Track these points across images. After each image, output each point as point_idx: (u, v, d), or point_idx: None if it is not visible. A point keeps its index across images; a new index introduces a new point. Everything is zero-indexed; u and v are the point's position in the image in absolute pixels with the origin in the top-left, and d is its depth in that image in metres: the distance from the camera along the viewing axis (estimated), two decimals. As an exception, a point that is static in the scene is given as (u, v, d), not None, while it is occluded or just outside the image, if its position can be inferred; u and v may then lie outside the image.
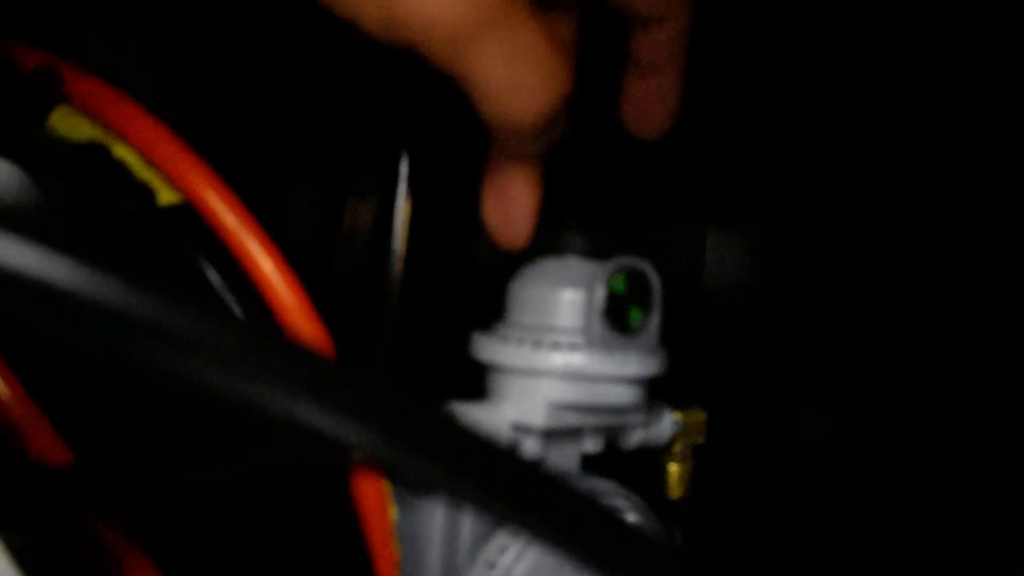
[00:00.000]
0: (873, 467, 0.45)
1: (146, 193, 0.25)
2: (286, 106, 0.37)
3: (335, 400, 0.15)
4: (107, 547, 0.23)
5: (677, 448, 0.36)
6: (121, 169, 0.25)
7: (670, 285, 0.31)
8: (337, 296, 0.39)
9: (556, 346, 0.30)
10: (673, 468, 0.36)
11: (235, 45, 0.34)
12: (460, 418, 0.29)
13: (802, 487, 0.45)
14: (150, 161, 0.25)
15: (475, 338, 0.32)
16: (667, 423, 0.35)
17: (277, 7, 0.35)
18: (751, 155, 0.44)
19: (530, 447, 0.31)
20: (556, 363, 0.30)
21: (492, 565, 0.29)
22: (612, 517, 0.21)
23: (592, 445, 0.33)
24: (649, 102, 0.32)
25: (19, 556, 0.18)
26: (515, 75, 0.24)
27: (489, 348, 0.31)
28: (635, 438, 0.34)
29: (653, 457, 0.36)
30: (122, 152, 0.25)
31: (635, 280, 0.31)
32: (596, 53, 0.30)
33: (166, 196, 0.25)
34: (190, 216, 0.24)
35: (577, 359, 0.30)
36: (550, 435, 0.31)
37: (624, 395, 0.31)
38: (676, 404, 0.35)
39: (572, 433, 0.32)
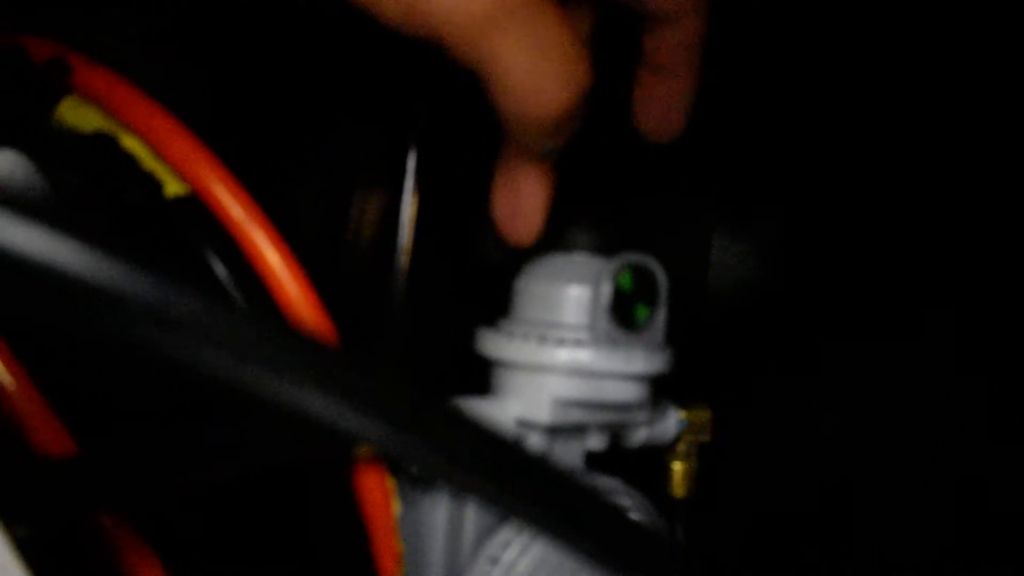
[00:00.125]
0: (878, 467, 0.45)
1: (153, 184, 0.25)
2: (294, 98, 0.37)
3: (342, 390, 0.15)
4: (111, 540, 0.23)
5: (682, 446, 0.36)
6: (129, 160, 0.25)
7: (676, 282, 0.31)
8: (343, 290, 0.38)
9: (561, 342, 0.30)
10: (677, 466, 0.36)
11: (243, 36, 0.34)
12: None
13: (806, 486, 0.45)
14: (157, 152, 0.25)
15: (480, 333, 0.32)
16: (672, 421, 0.35)
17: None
18: (757, 154, 0.43)
19: (534, 443, 0.31)
20: (561, 359, 0.30)
21: (495, 560, 0.29)
22: (617, 513, 0.21)
23: (596, 442, 0.32)
24: (662, 105, 0.32)
25: (22, 548, 0.18)
26: (538, 67, 0.23)
27: (494, 344, 0.31)
28: (640, 436, 0.34)
29: (657, 455, 0.36)
30: (130, 143, 0.25)
31: (642, 277, 0.31)
32: (605, 49, 0.30)
33: (173, 187, 0.25)
34: (197, 207, 0.24)
35: (582, 355, 0.30)
36: (554, 431, 0.31)
37: (629, 392, 0.31)
38: (681, 402, 0.35)
39: (576, 430, 0.32)
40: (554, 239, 0.32)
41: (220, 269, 0.24)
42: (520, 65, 0.23)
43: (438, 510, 0.30)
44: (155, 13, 0.34)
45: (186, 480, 0.23)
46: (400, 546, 0.26)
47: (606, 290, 0.30)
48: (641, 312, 0.31)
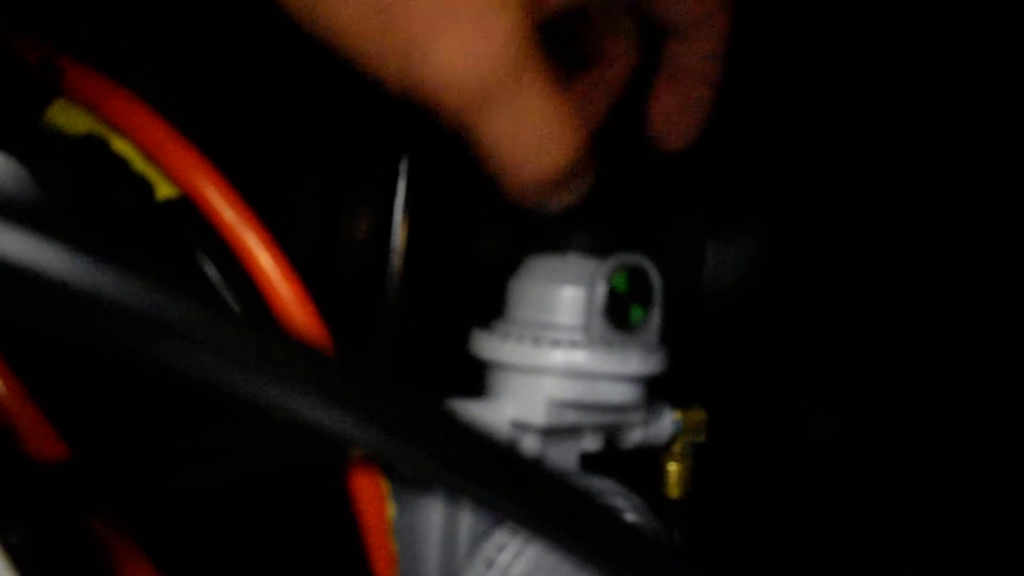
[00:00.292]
0: (873, 467, 0.45)
1: (144, 187, 0.25)
2: (287, 101, 0.37)
3: (335, 394, 0.15)
4: (105, 545, 0.23)
5: (677, 447, 0.36)
6: (119, 163, 0.25)
7: (671, 283, 0.31)
8: (336, 292, 0.38)
9: (556, 343, 0.30)
10: (673, 467, 0.36)
11: (236, 40, 0.34)
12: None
13: (802, 487, 0.45)
14: (148, 155, 0.25)
15: (475, 335, 0.32)
16: (667, 422, 0.35)
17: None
18: (753, 155, 0.43)
19: (529, 445, 0.31)
20: (556, 360, 0.30)
21: (490, 563, 0.29)
22: (612, 515, 0.21)
23: (592, 443, 0.32)
24: (678, 113, 0.32)
25: (15, 554, 0.17)
26: (523, 138, 0.24)
27: (489, 345, 0.31)
28: (635, 437, 0.34)
29: (653, 456, 0.36)
30: (121, 146, 0.25)
31: (636, 278, 0.31)
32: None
33: (164, 190, 0.25)
34: (188, 210, 0.24)
35: (577, 357, 0.30)
36: (550, 433, 0.31)
37: (624, 393, 0.31)
38: (676, 403, 0.35)
39: (572, 431, 0.32)
40: (548, 240, 0.32)
41: (212, 271, 0.24)
42: (507, 136, 0.24)
43: (433, 513, 0.30)
44: (152, 15, 0.34)
45: (179, 484, 0.23)
46: (394, 548, 0.26)
47: (601, 291, 0.30)
48: (636, 313, 0.31)
